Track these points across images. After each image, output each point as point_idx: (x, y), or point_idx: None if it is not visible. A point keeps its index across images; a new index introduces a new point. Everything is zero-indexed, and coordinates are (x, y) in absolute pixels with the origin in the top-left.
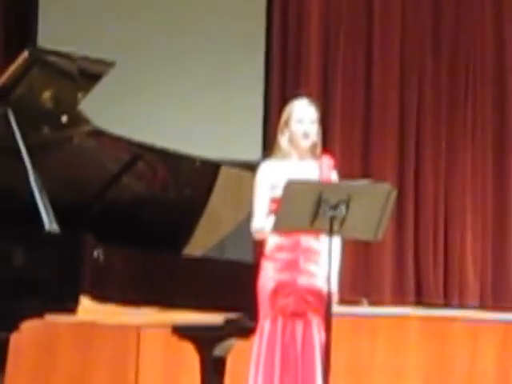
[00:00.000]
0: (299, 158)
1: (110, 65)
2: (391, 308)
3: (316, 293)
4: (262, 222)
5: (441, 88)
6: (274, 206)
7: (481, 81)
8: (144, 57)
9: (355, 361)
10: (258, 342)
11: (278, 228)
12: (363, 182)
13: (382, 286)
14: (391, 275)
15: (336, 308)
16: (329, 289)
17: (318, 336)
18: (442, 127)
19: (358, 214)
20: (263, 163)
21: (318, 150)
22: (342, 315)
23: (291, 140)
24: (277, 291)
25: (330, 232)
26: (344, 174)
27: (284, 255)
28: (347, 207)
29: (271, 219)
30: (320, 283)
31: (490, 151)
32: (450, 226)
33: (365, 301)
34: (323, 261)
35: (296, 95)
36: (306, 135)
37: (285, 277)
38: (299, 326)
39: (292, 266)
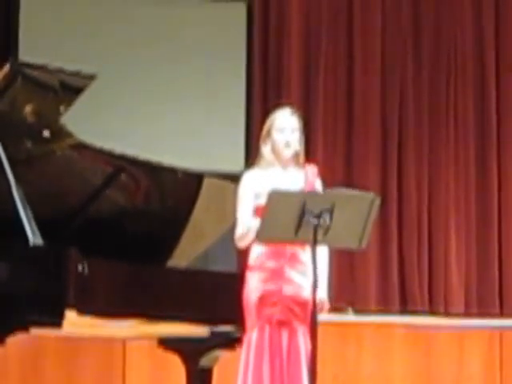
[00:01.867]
0: (282, 167)
1: (91, 78)
2: (376, 316)
3: (302, 303)
4: (245, 228)
5: (422, 93)
6: (258, 215)
7: (462, 83)
8: (126, 69)
9: (341, 369)
10: (246, 353)
11: (262, 238)
12: (346, 191)
13: (367, 294)
14: (376, 283)
15: (321, 316)
16: (313, 297)
17: (303, 345)
18: (424, 133)
19: (341, 223)
20: (247, 172)
21: (301, 158)
22: (328, 323)
23: (273, 149)
24: (262, 301)
25: (314, 241)
26: (327, 183)
27: (269, 264)
28: (331, 216)
29: (256, 221)
30: (306, 293)
31: (472, 157)
32: (434, 233)
33: (350, 309)
34: (309, 271)
35: (278, 106)
36: (287, 144)
37: (270, 286)
38: (285, 335)
39: (277, 275)
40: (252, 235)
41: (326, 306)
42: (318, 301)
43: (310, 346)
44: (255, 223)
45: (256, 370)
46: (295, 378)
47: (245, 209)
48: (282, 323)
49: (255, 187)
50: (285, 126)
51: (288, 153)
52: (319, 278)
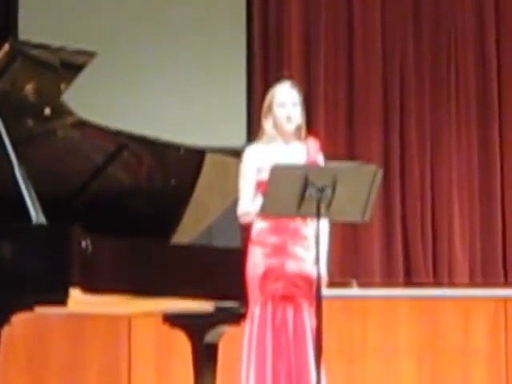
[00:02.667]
0: (284, 141)
1: (91, 55)
2: (381, 289)
3: (305, 278)
4: (248, 205)
5: (423, 64)
6: (260, 190)
7: (463, 54)
8: (126, 46)
9: (347, 343)
10: (249, 328)
11: (264, 213)
12: (349, 164)
13: (371, 268)
14: (380, 256)
15: (326, 291)
16: (317, 271)
17: (308, 320)
18: (425, 104)
19: (344, 196)
20: (249, 147)
21: (303, 132)
22: (332, 298)
23: (275, 124)
24: (265, 276)
25: (317, 215)
26: (329, 156)
27: (271, 239)
28: (333, 189)
29: (258, 201)
30: (309, 268)
31: (474, 127)
32: (437, 205)
33: (354, 282)
34: (312, 245)
35: (278, 78)
36: (288, 119)
37: (273, 261)
38: (290, 311)
39: (280, 250)
40: (253, 217)
41: (325, 280)
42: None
43: (314, 321)
44: (255, 206)
45: (259, 344)
46: (301, 354)
47: (247, 184)
48: (285, 298)
49: (257, 162)
50: (285, 100)
51: (290, 127)
52: (320, 254)
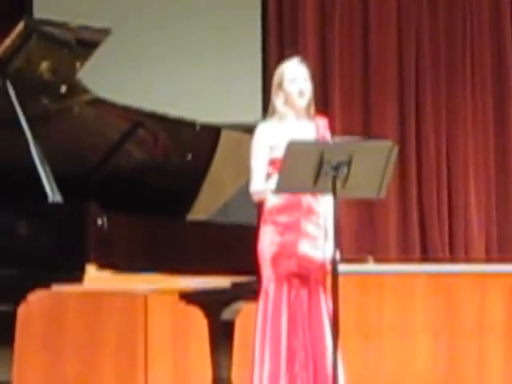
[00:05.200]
0: (296, 118)
1: (106, 32)
2: (397, 265)
3: (318, 261)
4: (261, 183)
5: (439, 40)
6: (273, 168)
7: (478, 29)
8: (140, 23)
9: (363, 319)
10: (263, 306)
11: (281, 189)
12: (364, 141)
13: (387, 244)
14: (396, 232)
15: (342, 267)
16: (334, 248)
17: (324, 299)
18: (441, 80)
19: (360, 173)
20: (260, 125)
21: (312, 108)
22: (348, 274)
23: (286, 101)
24: (279, 254)
25: (333, 192)
26: (345, 132)
27: (284, 217)
28: (349, 166)
29: (272, 180)
30: (321, 250)
31: (490, 103)
32: (453, 181)
33: (370, 258)
34: (322, 222)
35: (293, 55)
36: (301, 93)
37: (286, 239)
38: (304, 291)
39: (293, 227)
40: (266, 195)
41: (337, 257)
42: (329, 255)
43: (330, 300)
44: (269, 185)
45: (274, 322)
46: (317, 331)
47: (259, 162)
48: (300, 278)
49: (270, 140)
50: (296, 75)
51: (303, 102)
52: (329, 230)
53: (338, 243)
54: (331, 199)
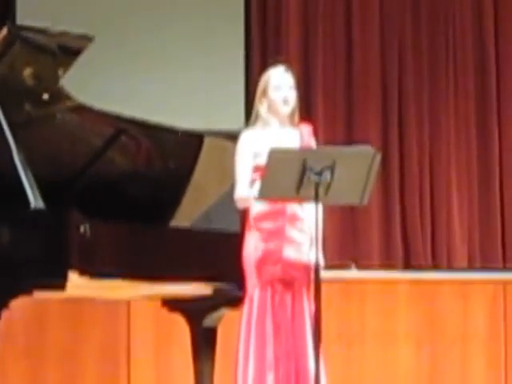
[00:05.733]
0: (279, 125)
1: (89, 39)
2: (380, 272)
3: (303, 263)
4: (245, 190)
5: (421, 47)
6: (257, 174)
7: (461, 44)
8: (123, 29)
9: (345, 326)
10: (248, 312)
11: (263, 196)
12: (347, 148)
13: (370, 250)
14: (378, 239)
15: (324, 274)
16: (316, 254)
17: (307, 304)
18: (424, 88)
19: (343, 179)
20: (244, 132)
21: (297, 116)
22: (331, 280)
23: (270, 108)
24: (263, 260)
25: (316, 199)
26: (327, 141)
27: (269, 224)
28: (332, 173)
29: (256, 187)
30: (306, 252)
31: (473, 111)
32: (436, 188)
33: (353, 265)
34: (307, 228)
35: (276, 62)
36: (285, 101)
37: (271, 246)
38: (288, 295)
39: (277, 234)
40: (250, 202)
41: (322, 263)
42: (313, 261)
43: (313, 305)
44: (253, 192)
45: (259, 327)
46: (300, 337)
47: (244, 169)
48: (284, 283)
49: (254, 147)
50: (282, 83)
51: (286, 110)
52: (314, 237)
53: (322, 249)
54: (318, 206)
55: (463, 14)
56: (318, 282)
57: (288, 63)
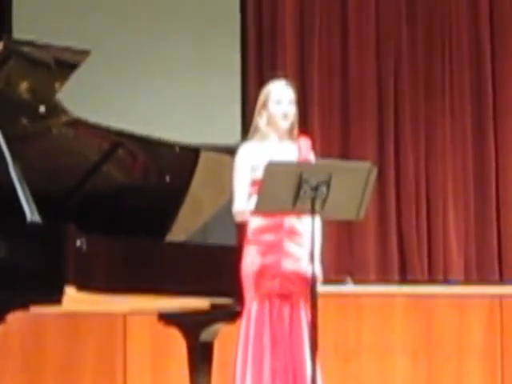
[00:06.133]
0: (278, 139)
1: (85, 53)
2: (376, 286)
3: (301, 276)
4: (243, 203)
5: (417, 62)
6: (255, 188)
7: (457, 51)
8: (119, 43)
9: (342, 340)
10: (246, 326)
11: (259, 210)
12: (344, 162)
13: (366, 265)
14: (375, 253)
15: (321, 287)
16: (312, 269)
17: (305, 317)
18: (420, 103)
19: (339, 194)
20: (242, 145)
21: (296, 131)
22: (327, 295)
23: (269, 121)
24: (261, 274)
25: (312, 212)
26: (323, 155)
27: (267, 237)
28: (328, 187)
29: (253, 201)
30: (304, 266)
31: (469, 125)
32: (433, 202)
33: (349, 279)
34: (306, 242)
35: (273, 77)
36: (285, 116)
37: (269, 260)
38: (286, 308)
39: (275, 248)
40: (248, 215)
41: (320, 277)
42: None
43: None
44: (250, 205)
45: (256, 342)
46: (298, 351)
47: (242, 182)
48: (282, 297)
49: (252, 160)
50: (282, 97)
51: (285, 124)
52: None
53: (321, 263)
54: (314, 219)
55: (459, 29)
56: (314, 295)
57: (285, 77)
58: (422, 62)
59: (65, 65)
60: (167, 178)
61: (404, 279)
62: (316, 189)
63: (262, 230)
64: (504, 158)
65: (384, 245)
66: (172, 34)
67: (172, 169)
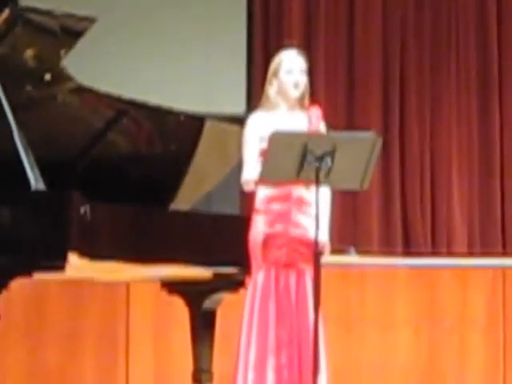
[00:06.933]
0: (288, 108)
1: (91, 21)
2: (379, 258)
3: (308, 243)
4: (252, 173)
5: (424, 36)
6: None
7: (464, 31)
8: (126, 12)
9: (345, 311)
10: (252, 294)
11: (263, 179)
12: (349, 133)
13: (370, 236)
14: (378, 224)
15: (324, 258)
16: (316, 238)
17: (311, 285)
18: (425, 75)
19: (343, 164)
20: (252, 115)
21: (306, 100)
22: (331, 265)
23: (280, 90)
24: (269, 243)
25: (316, 183)
26: (329, 125)
27: (275, 206)
28: (333, 158)
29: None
30: (311, 234)
31: (474, 96)
32: (437, 174)
33: (352, 249)
34: (314, 212)
35: (279, 48)
36: (296, 85)
37: (276, 229)
38: (292, 277)
39: (283, 217)
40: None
41: (327, 248)
42: (319, 243)
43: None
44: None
45: (262, 310)
46: (302, 320)
47: (250, 152)
48: (288, 265)
49: (260, 130)
50: (293, 66)
51: (296, 94)
52: (321, 220)
53: (329, 234)
54: (323, 189)
55: (466, 6)
56: (317, 264)
57: (297, 47)
58: (428, 32)
59: (71, 32)
60: (172, 147)
61: (407, 251)
62: (321, 159)
63: (270, 200)
64: (509, 131)
65: (387, 216)
66: (177, 4)
67: (177, 137)
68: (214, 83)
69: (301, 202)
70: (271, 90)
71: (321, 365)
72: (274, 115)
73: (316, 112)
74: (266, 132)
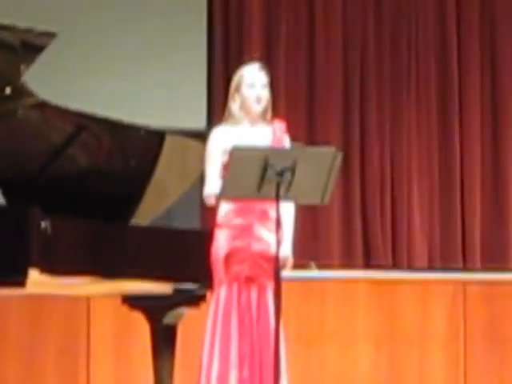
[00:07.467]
0: (251, 123)
1: (52, 36)
2: (340, 271)
3: (270, 258)
4: (213, 187)
5: (384, 52)
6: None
7: (423, 45)
8: (86, 26)
9: (305, 325)
10: (214, 310)
11: (225, 195)
12: (309, 147)
13: (330, 250)
14: (339, 238)
15: (285, 272)
16: (276, 253)
17: (272, 301)
18: (385, 91)
19: (304, 179)
20: (215, 129)
21: (269, 114)
22: (291, 280)
23: (243, 105)
24: (230, 258)
25: (277, 197)
26: (290, 140)
27: (237, 221)
28: (293, 172)
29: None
30: (273, 249)
31: (434, 111)
32: (397, 188)
33: (313, 264)
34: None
35: (239, 63)
36: (258, 99)
37: (238, 243)
38: (254, 291)
39: (246, 231)
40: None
41: (290, 262)
42: (282, 257)
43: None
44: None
45: (224, 325)
46: (264, 335)
47: (213, 166)
48: (250, 279)
49: (223, 144)
50: (255, 81)
51: (259, 108)
52: (284, 235)
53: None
54: (286, 204)
55: (426, 20)
56: (277, 279)
57: (259, 61)
58: (388, 46)
59: (31, 47)
60: (132, 162)
61: (368, 264)
62: (281, 174)
63: (233, 214)
64: (468, 146)
65: (348, 230)
66: (138, 17)
67: (137, 152)
68: (175, 98)
69: (263, 216)
70: (234, 105)
71: (281, 376)
72: (238, 129)
73: (280, 125)
74: (229, 145)
